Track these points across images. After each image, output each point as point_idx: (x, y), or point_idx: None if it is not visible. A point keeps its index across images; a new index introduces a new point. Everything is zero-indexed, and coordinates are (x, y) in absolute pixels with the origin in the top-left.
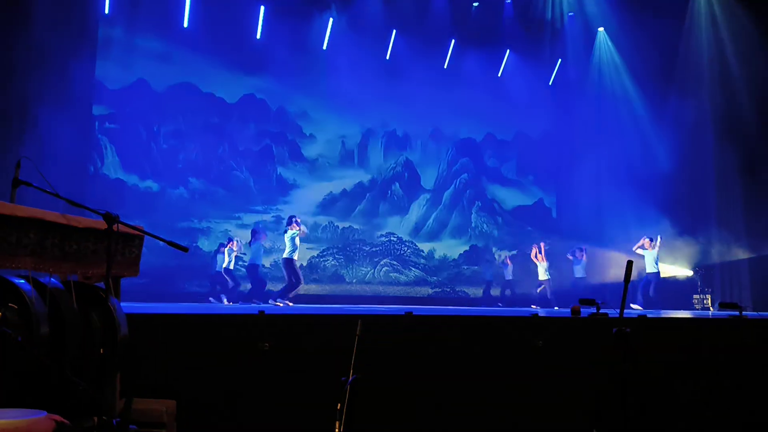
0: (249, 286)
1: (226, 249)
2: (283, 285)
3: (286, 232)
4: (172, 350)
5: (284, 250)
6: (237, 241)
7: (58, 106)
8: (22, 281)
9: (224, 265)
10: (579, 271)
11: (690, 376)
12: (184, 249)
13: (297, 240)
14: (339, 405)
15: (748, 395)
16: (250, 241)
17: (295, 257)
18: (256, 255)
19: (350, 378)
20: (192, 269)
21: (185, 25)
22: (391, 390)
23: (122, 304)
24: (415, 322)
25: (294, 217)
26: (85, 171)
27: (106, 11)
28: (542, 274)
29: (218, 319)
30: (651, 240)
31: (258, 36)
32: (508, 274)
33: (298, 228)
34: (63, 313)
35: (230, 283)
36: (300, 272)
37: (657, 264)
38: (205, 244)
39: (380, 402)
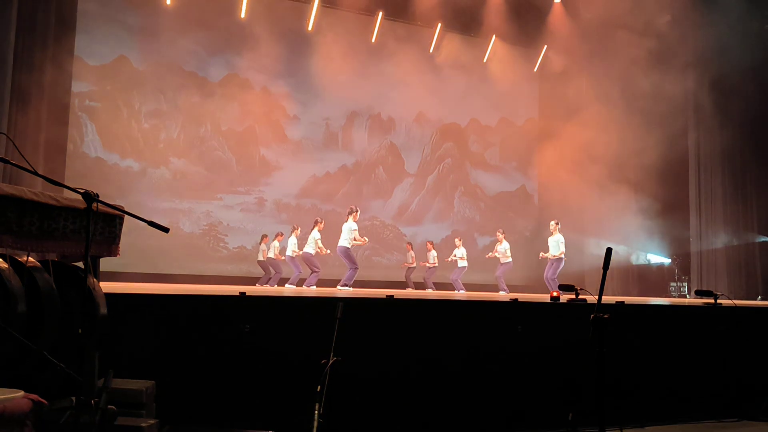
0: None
1: (291, 235)
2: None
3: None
4: (152, 330)
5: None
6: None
7: (37, 81)
8: None
9: (288, 253)
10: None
11: (665, 362)
12: (165, 229)
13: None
14: (319, 387)
15: (718, 380)
16: (312, 228)
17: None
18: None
19: (330, 360)
20: (173, 250)
21: (168, 2)
22: (370, 373)
23: (101, 283)
24: (396, 306)
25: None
26: (64, 149)
27: None
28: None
29: (199, 300)
30: (557, 223)
31: (242, 15)
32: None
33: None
34: (41, 292)
35: (297, 270)
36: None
37: (560, 248)
38: (186, 225)
39: (360, 385)
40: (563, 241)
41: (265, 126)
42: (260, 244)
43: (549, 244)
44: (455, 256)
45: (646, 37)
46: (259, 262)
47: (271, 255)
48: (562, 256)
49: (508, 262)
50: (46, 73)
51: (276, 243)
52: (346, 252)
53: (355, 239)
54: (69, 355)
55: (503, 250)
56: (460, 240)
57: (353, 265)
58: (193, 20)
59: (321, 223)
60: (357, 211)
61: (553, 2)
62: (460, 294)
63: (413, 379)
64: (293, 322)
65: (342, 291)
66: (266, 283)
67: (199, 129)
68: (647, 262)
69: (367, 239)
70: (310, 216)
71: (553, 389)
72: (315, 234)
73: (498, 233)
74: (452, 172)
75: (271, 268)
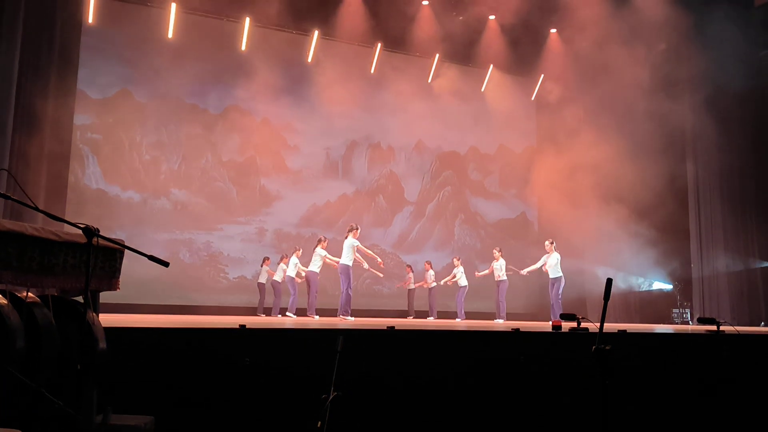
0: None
1: (290, 258)
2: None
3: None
4: (151, 365)
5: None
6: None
7: (39, 114)
8: None
9: (290, 274)
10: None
11: (669, 392)
12: (165, 264)
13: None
14: (319, 423)
15: (724, 410)
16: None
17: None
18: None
19: (331, 395)
20: (173, 281)
21: (170, 35)
22: (372, 406)
23: (101, 316)
24: (397, 338)
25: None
26: (66, 181)
27: (90, 21)
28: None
29: (198, 333)
30: (552, 242)
31: (243, 47)
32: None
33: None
34: (40, 328)
35: (293, 293)
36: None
37: (558, 267)
38: (187, 256)
39: (361, 419)
40: (560, 258)
41: (265, 156)
42: (261, 266)
43: (547, 263)
44: (455, 276)
45: (642, 65)
46: (258, 283)
47: (277, 278)
48: (561, 274)
49: (505, 280)
50: (49, 106)
51: (282, 265)
52: (347, 270)
53: (362, 253)
54: (67, 391)
55: (500, 267)
56: (458, 259)
57: (348, 285)
58: (193, 53)
59: (325, 241)
60: (357, 228)
61: (549, 32)
62: (462, 323)
63: (416, 412)
64: (294, 354)
65: (345, 321)
66: (263, 312)
67: (200, 160)
68: (649, 289)
69: (380, 260)
70: (311, 245)
71: (556, 420)
72: (320, 251)
73: (494, 251)
74: (452, 199)
75: (269, 291)
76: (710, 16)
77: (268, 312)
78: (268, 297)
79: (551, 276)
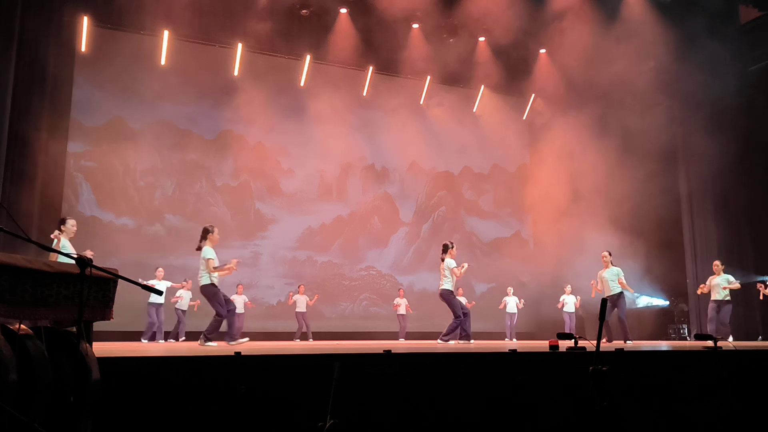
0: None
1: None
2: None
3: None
4: (145, 394)
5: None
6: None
7: (33, 143)
8: None
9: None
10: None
11: (668, 411)
12: (159, 292)
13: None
14: None
15: (723, 427)
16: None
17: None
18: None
19: (327, 423)
20: (169, 307)
21: (162, 62)
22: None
23: (94, 345)
24: (393, 362)
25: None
26: (59, 209)
27: (83, 49)
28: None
29: (193, 361)
30: (609, 254)
31: (235, 72)
32: (401, 309)
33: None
34: (33, 361)
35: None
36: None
37: (617, 282)
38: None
39: None
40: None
41: (259, 180)
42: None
43: (507, 302)
44: (507, 303)
45: (632, 83)
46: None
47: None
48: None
49: (573, 313)
50: (42, 134)
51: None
52: (447, 296)
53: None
54: (61, 424)
55: (570, 301)
56: (511, 288)
57: (455, 310)
58: (186, 79)
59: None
60: (453, 246)
61: (538, 52)
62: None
63: None
64: (289, 382)
65: (442, 344)
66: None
67: (194, 185)
68: (645, 305)
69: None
70: (306, 268)
71: None
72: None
73: (566, 287)
74: (447, 219)
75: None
76: (698, 33)
77: (270, 337)
78: (274, 321)
79: (613, 292)
